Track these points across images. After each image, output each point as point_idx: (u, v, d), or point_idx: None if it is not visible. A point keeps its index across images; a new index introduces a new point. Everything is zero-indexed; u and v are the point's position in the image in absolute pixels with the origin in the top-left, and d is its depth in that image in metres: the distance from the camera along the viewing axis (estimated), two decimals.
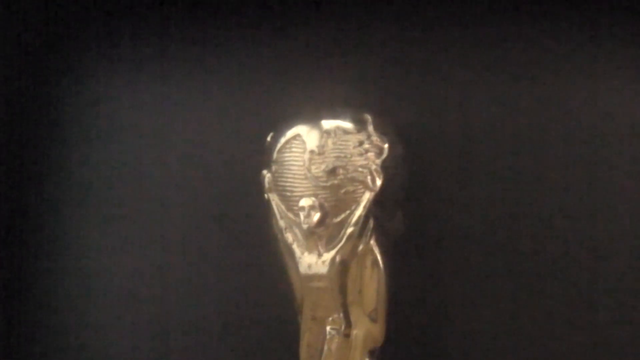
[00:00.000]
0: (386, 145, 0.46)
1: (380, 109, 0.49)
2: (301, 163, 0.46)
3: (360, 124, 0.46)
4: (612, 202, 0.49)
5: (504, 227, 0.50)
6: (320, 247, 0.46)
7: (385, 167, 0.46)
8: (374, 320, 0.47)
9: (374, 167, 0.46)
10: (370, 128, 0.46)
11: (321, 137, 0.46)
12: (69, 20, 0.57)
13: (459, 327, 0.51)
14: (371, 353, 0.47)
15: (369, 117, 0.46)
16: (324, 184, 0.46)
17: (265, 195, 0.48)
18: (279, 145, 0.47)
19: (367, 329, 0.47)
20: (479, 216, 0.50)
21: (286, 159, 0.47)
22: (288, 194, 0.47)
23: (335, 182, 0.46)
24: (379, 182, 0.46)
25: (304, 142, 0.46)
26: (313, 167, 0.46)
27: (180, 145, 0.55)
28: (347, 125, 0.46)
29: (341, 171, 0.46)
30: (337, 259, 0.46)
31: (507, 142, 0.51)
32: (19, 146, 0.56)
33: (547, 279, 0.50)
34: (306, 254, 0.47)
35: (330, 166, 0.46)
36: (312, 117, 0.47)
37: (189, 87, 0.55)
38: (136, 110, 0.56)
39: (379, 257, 0.46)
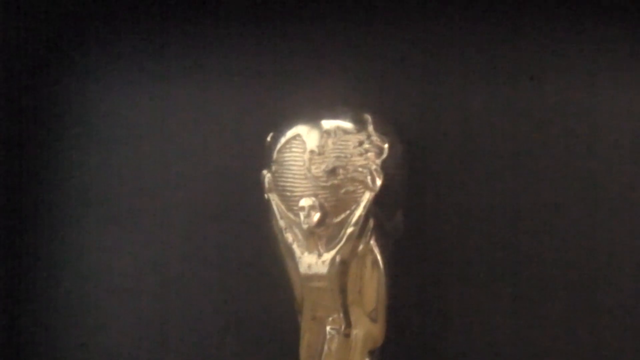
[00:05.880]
0: (386, 145, 0.46)
1: (380, 109, 0.49)
2: (301, 163, 0.46)
3: (360, 124, 0.46)
4: (612, 202, 0.49)
5: (503, 227, 0.50)
6: (320, 247, 0.46)
7: (385, 167, 0.46)
8: (374, 320, 0.47)
9: (374, 167, 0.46)
10: (370, 128, 0.46)
11: (321, 137, 0.46)
12: (69, 20, 0.57)
13: (459, 327, 0.51)
14: (371, 353, 0.47)
15: (369, 117, 0.46)
16: (324, 184, 0.46)
17: (265, 195, 0.48)
18: (279, 145, 0.47)
19: (367, 329, 0.47)
20: (479, 216, 0.50)
21: (286, 159, 0.47)
22: (288, 194, 0.47)
23: (335, 182, 0.46)
24: (379, 182, 0.46)
25: (304, 142, 0.46)
26: (313, 167, 0.46)
27: (180, 145, 0.55)
28: (347, 125, 0.46)
29: (341, 171, 0.46)
30: (337, 259, 0.46)
31: (507, 142, 0.51)
32: (19, 146, 0.56)
33: (547, 279, 0.50)
34: (306, 254, 0.47)
35: (330, 166, 0.46)
36: (312, 117, 0.47)
37: (189, 87, 0.55)
38: (136, 111, 0.56)
39: (379, 257, 0.46)
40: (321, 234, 0.46)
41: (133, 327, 0.55)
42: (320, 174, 0.46)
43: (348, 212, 0.46)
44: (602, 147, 0.50)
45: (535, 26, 0.51)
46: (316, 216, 0.46)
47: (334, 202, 0.46)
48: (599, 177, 0.50)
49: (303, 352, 0.47)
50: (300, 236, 0.47)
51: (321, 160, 0.46)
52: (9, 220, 0.56)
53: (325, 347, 0.47)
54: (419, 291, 0.51)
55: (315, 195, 0.46)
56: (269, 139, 0.48)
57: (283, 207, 0.47)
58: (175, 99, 0.55)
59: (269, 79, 0.54)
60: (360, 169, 0.46)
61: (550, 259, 0.50)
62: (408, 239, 0.49)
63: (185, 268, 0.54)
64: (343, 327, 0.47)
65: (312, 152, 0.46)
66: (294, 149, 0.47)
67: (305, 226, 0.46)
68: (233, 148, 0.54)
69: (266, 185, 0.48)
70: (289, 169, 0.47)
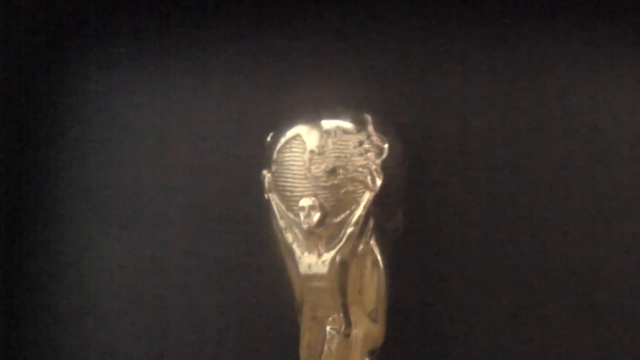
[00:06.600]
0: (386, 145, 0.46)
1: (380, 109, 0.49)
2: (301, 163, 0.46)
3: (360, 124, 0.46)
4: (612, 202, 0.49)
5: (503, 226, 0.50)
6: (320, 247, 0.46)
7: (385, 167, 0.46)
8: (374, 320, 0.47)
9: (374, 167, 0.46)
10: (370, 128, 0.46)
11: (321, 137, 0.46)
12: (69, 20, 0.57)
13: (459, 327, 0.51)
14: (371, 353, 0.47)
15: (369, 117, 0.46)
16: (324, 184, 0.46)
17: (265, 195, 0.48)
18: (279, 145, 0.47)
19: (367, 329, 0.47)
20: (478, 216, 0.50)
21: (286, 159, 0.47)
22: (288, 194, 0.47)
23: (335, 182, 0.46)
24: (379, 182, 0.46)
25: (304, 142, 0.46)
26: (313, 167, 0.46)
27: (180, 145, 0.55)
28: (347, 125, 0.46)
29: (341, 171, 0.46)
30: (337, 259, 0.46)
31: (507, 142, 0.51)
32: (19, 146, 0.56)
33: (547, 279, 0.50)
34: (306, 254, 0.47)
35: (330, 166, 0.46)
36: (312, 117, 0.47)
37: (189, 87, 0.55)
38: (136, 110, 0.56)
39: (379, 257, 0.46)
40: (321, 234, 0.46)
41: (133, 327, 0.55)
42: (320, 174, 0.46)
43: (348, 212, 0.46)
44: (603, 147, 0.50)
45: (535, 26, 0.51)
46: (316, 216, 0.46)
47: (334, 202, 0.46)
48: (599, 177, 0.50)
49: (303, 352, 0.47)
50: (300, 236, 0.47)
51: (321, 160, 0.46)
52: (9, 220, 0.56)
53: (325, 347, 0.47)
54: (419, 291, 0.51)
55: (315, 195, 0.46)
56: (269, 139, 0.48)
57: (283, 207, 0.47)
58: (175, 98, 0.55)
59: (269, 79, 0.54)
60: (360, 169, 0.46)
61: (550, 259, 0.50)
62: (408, 239, 0.49)
63: (186, 268, 0.54)
64: (343, 327, 0.47)
65: (312, 152, 0.46)
66: (294, 149, 0.47)
67: (305, 226, 0.46)
68: (233, 148, 0.54)
69: (266, 185, 0.48)
70: (289, 169, 0.47)
